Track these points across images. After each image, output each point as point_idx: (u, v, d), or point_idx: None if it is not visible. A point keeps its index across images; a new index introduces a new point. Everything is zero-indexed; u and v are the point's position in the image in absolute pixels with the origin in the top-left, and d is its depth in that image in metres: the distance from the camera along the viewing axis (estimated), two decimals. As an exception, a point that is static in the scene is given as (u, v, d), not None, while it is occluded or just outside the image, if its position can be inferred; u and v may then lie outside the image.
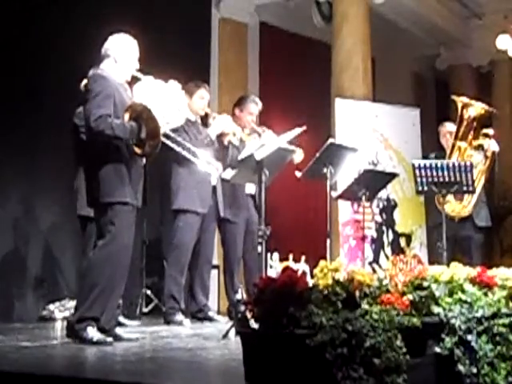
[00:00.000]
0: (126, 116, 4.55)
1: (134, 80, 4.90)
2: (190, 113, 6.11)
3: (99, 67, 4.72)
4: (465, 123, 6.46)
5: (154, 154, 4.68)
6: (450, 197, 6.21)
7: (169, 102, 4.85)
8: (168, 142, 5.68)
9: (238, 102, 6.58)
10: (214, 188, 6.22)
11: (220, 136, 6.20)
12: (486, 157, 6.46)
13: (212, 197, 6.18)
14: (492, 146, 6.46)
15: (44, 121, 6.60)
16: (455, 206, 6.44)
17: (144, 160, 4.78)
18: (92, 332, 4.44)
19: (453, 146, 6.54)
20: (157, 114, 4.62)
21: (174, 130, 5.65)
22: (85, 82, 4.92)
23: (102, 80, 4.62)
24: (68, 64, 6.38)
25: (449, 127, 6.85)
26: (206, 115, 6.31)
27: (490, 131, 6.52)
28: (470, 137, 6.47)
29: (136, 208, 4.69)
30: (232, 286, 6.31)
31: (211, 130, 6.13)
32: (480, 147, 6.47)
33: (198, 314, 6.21)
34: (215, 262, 7.18)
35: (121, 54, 4.75)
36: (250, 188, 6.28)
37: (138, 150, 4.56)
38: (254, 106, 6.48)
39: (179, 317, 5.93)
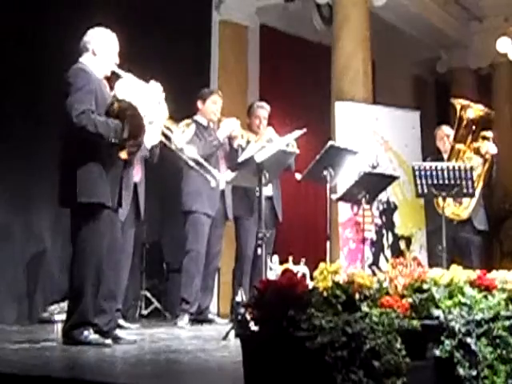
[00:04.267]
0: (112, 108, 4.36)
1: (113, 77, 4.74)
2: (201, 118, 6.28)
3: (78, 61, 4.57)
4: (463, 125, 6.45)
5: (135, 153, 4.57)
6: (449, 200, 6.20)
7: (149, 103, 4.72)
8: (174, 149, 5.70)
9: (248, 109, 6.76)
10: (223, 192, 6.24)
11: (230, 139, 6.29)
12: (484, 159, 6.45)
13: (220, 200, 6.21)
14: (490, 148, 6.44)
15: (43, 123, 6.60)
16: (454, 209, 6.43)
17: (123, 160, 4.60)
18: (88, 335, 4.39)
19: (452, 149, 6.52)
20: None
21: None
22: None
23: (84, 74, 4.46)
24: (69, 63, 6.37)
25: (446, 130, 6.84)
26: (219, 120, 6.36)
27: (489, 134, 6.50)
28: (469, 139, 6.46)
29: (113, 209, 4.53)
30: (239, 285, 6.31)
31: (219, 132, 6.21)
32: (478, 150, 6.45)
33: (199, 316, 6.21)
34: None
35: (100, 47, 4.60)
36: (267, 190, 6.27)
37: (121, 153, 4.40)
38: (261, 111, 6.58)
39: (183, 322, 5.96)
